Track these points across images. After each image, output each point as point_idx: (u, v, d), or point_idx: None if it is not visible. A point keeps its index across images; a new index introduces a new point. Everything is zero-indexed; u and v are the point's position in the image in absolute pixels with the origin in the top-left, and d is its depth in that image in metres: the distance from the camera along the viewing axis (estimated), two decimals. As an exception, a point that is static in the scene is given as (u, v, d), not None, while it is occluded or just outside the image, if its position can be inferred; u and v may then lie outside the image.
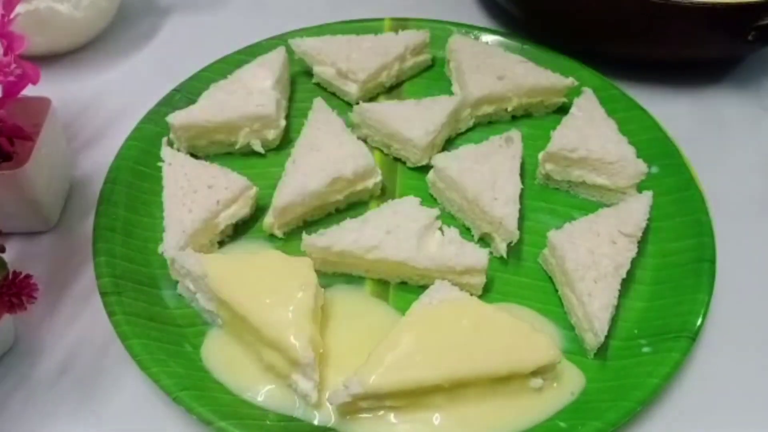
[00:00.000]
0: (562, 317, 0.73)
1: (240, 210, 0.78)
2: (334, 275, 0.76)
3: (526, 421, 0.65)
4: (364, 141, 0.86)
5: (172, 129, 0.84)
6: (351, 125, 0.87)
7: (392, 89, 0.96)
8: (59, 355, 0.70)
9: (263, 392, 0.66)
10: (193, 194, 0.76)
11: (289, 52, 0.94)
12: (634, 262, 0.75)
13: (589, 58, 0.96)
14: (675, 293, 0.74)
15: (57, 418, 0.66)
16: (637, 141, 0.84)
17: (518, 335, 0.66)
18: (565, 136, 0.83)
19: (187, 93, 0.89)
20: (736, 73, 1.02)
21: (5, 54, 0.65)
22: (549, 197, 0.85)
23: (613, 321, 0.71)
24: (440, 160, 0.81)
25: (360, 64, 0.91)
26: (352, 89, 0.91)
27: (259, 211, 0.81)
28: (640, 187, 0.81)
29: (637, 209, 0.77)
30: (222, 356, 0.69)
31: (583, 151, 0.81)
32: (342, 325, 0.71)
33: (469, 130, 0.91)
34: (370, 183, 0.81)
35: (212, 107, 0.84)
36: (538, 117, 0.93)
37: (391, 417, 0.65)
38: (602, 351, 0.70)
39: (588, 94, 0.88)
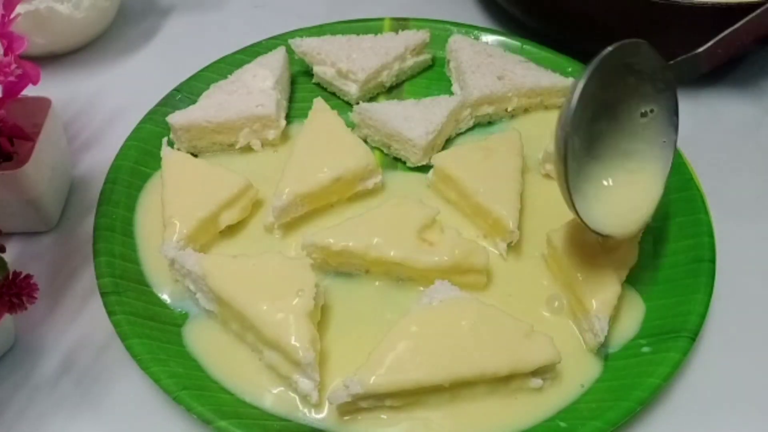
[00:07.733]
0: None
1: (240, 210, 0.78)
2: (334, 275, 0.76)
3: (527, 420, 0.65)
4: (364, 141, 0.86)
5: (172, 129, 0.84)
6: (351, 125, 0.87)
7: (392, 89, 0.96)
8: (59, 355, 0.70)
9: (261, 390, 0.66)
10: (193, 194, 0.76)
11: (289, 52, 0.94)
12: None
13: (589, 58, 0.95)
14: (675, 293, 0.73)
15: (57, 418, 0.66)
16: (637, 141, 0.84)
17: (518, 335, 0.66)
18: (565, 136, 0.83)
19: (187, 93, 0.89)
20: (736, 73, 1.01)
21: (5, 54, 0.65)
22: (549, 196, 0.84)
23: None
24: (440, 159, 0.81)
25: (360, 64, 0.91)
26: (352, 89, 0.91)
27: (258, 211, 0.81)
28: (639, 187, 0.81)
29: (637, 209, 0.77)
30: (210, 346, 0.69)
31: (583, 151, 0.81)
32: (342, 325, 0.71)
33: (469, 130, 0.91)
34: (371, 183, 0.82)
35: (212, 107, 0.84)
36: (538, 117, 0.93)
37: (391, 417, 0.65)
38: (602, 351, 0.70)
39: (588, 94, 0.88)
